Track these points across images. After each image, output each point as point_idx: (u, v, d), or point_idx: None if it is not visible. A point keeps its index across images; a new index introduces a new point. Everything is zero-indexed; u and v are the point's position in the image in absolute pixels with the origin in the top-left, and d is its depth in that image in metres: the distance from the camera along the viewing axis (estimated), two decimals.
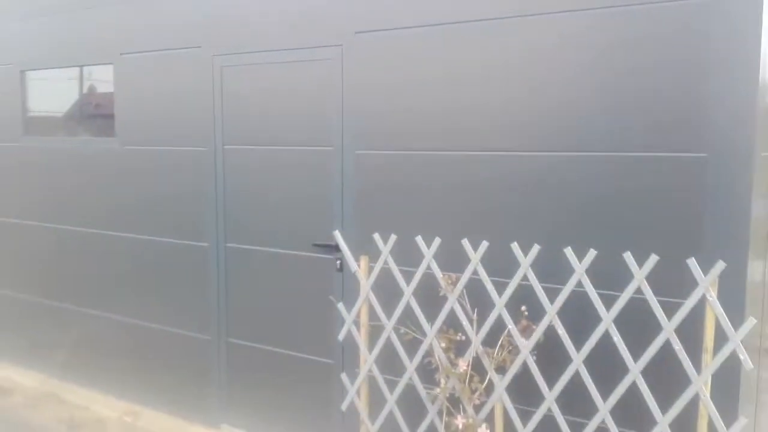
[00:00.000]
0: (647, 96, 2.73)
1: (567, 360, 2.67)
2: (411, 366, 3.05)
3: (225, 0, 3.94)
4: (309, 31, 3.61)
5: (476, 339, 2.85)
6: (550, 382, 2.72)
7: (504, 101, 3.06)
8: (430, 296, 3.01)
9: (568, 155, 2.91)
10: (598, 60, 2.83)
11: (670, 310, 2.48)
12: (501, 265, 2.87)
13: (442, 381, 2.91)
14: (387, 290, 3.12)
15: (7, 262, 5.40)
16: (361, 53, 3.44)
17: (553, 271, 2.80)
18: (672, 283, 2.63)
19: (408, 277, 3.03)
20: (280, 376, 3.92)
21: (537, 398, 2.77)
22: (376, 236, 3.09)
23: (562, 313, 2.66)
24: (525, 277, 2.71)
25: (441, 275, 2.91)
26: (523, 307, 2.80)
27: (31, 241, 5.15)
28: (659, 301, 2.46)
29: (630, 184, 2.79)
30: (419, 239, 2.98)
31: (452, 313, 2.91)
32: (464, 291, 2.91)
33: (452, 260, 2.97)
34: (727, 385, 2.59)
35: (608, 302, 2.58)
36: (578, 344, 2.64)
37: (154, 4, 4.25)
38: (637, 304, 2.55)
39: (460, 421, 2.80)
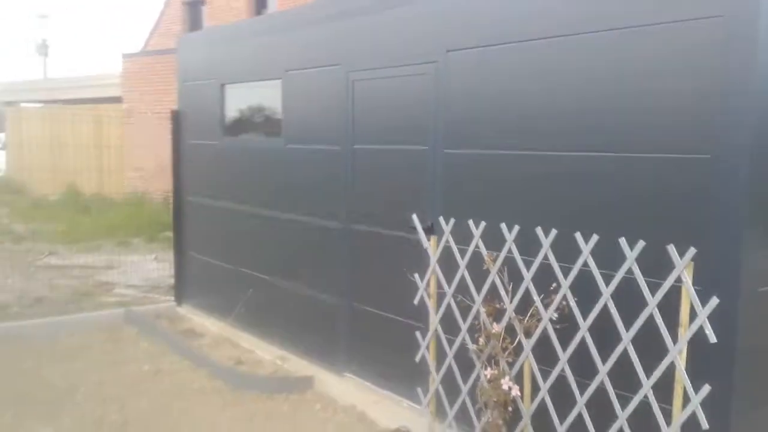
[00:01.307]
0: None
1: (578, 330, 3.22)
2: (464, 327, 3.77)
3: (357, 32, 4.93)
4: (411, 50, 4.47)
5: (510, 307, 3.49)
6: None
7: (562, 111, 3.64)
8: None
9: (611, 155, 3.42)
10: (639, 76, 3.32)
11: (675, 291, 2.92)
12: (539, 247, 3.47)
13: (482, 340, 3.59)
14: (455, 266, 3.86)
15: (203, 234, 6.99)
16: (451, 69, 4.21)
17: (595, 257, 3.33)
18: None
19: (475, 255, 3.73)
20: (387, 336, 4.81)
21: (556, 361, 3.34)
22: (441, 220, 3.86)
23: (577, 290, 3.21)
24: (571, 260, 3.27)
25: (486, 253, 3.60)
26: (554, 285, 3.38)
27: (222, 218, 6.63)
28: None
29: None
30: (470, 224, 3.70)
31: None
32: (505, 268, 3.55)
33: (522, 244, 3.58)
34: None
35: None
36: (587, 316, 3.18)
37: (310, 38, 5.38)
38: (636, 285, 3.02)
39: (489, 372, 3.47)
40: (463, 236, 3.76)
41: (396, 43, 4.62)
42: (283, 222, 5.78)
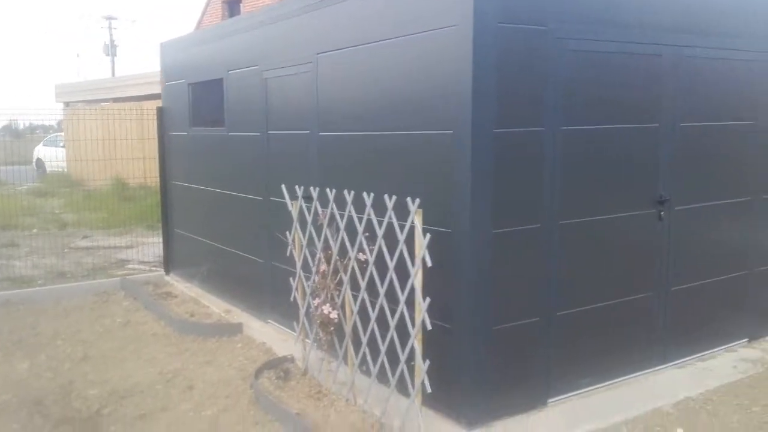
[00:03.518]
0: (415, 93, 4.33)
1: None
2: (313, 270, 4.99)
3: (267, 39, 6.22)
4: (299, 52, 5.71)
5: (335, 251, 4.70)
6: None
7: (370, 100, 4.83)
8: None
9: (401, 134, 4.59)
10: (388, 73, 4.47)
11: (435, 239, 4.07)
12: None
13: (314, 277, 4.82)
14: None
15: (182, 212, 8.45)
16: (320, 68, 5.42)
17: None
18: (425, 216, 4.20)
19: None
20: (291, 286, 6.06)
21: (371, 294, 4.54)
22: (283, 188, 5.10)
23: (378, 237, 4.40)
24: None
25: (321, 211, 4.81)
26: (367, 234, 4.55)
27: (191, 197, 8.06)
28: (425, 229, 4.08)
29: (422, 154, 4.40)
30: (311, 190, 4.92)
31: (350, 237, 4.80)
32: (340, 224, 4.75)
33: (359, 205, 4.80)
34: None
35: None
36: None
37: (241, 44, 6.71)
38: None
39: (317, 301, 4.69)
40: (334, 201, 4.94)
41: (290, 47, 5.87)
42: (228, 197, 7.14)
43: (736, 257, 5.64)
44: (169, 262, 8.97)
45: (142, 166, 20.50)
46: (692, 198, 5.22)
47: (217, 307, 7.37)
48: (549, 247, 4.50)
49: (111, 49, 50.08)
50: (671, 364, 5.31)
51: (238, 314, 7.01)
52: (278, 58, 6.02)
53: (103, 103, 23.57)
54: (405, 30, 4.47)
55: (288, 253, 5.33)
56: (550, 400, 4.66)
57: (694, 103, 5.13)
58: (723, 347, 5.67)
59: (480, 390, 4.34)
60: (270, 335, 6.33)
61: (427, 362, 4.02)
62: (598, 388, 4.88)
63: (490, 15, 3.97)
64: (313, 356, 5.23)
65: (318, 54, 5.43)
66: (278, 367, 5.51)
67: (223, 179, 7.24)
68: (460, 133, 4.09)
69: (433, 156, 4.34)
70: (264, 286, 6.58)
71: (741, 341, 5.81)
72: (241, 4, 22.27)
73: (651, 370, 5.19)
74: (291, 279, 5.36)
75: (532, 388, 4.58)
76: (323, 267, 4.75)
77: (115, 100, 23.30)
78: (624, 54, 4.66)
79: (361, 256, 4.50)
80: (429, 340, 4.19)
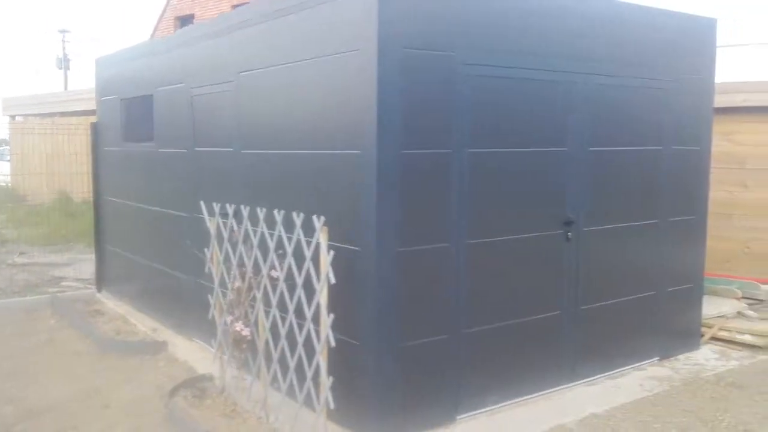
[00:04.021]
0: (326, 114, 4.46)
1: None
2: (229, 287, 5.03)
3: (193, 57, 6.28)
4: (222, 71, 5.79)
5: (249, 269, 4.75)
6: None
7: (279, 119, 4.93)
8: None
9: (307, 152, 4.69)
10: (303, 94, 4.59)
11: (340, 255, 4.16)
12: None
13: (229, 294, 4.87)
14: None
15: (114, 228, 8.39)
16: (242, 87, 5.51)
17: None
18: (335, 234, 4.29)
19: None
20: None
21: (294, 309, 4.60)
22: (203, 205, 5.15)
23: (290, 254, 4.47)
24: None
25: (235, 228, 4.87)
26: (281, 251, 4.62)
27: (122, 213, 8.03)
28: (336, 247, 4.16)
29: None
30: (213, 206, 4.98)
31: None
32: (253, 241, 4.80)
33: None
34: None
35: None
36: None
37: (168, 62, 6.75)
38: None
39: (230, 318, 4.73)
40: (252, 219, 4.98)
41: (215, 65, 5.95)
42: (157, 214, 7.14)
43: (645, 277, 5.86)
44: (101, 280, 8.88)
45: (87, 181, 20.31)
46: (600, 220, 5.42)
47: (144, 325, 7.32)
48: (457, 266, 4.63)
49: (64, 63, 49.32)
50: (582, 381, 5.47)
51: (164, 332, 6.98)
52: (204, 76, 6.08)
53: (55, 117, 23.23)
54: (317, 52, 4.58)
55: (207, 270, 5.36)
56: (458, 417, 4.77)
57: (603, 128, 5.36)
58: (634, 365, 5.86)
59: (387, 406, 4.43)
60: (194, 353, 6.31)
61: (331, 378, 4.09)
62: (507, 404, 5.01)
63: (394, 40, 4.12)
64: (230, 374, 5.25)
65: (240, 73, 5.51)
66: (196, 385, 5.50)
67: (153, 195, 7.23)
68: (367, 153, 4.21)
69: (343, 175, 4.45)
70: (190, 304, 6.57)
71: (652, 360, 6.01)
72: (194, 20, 22.27)
73: (561, 387, 5.35)
74: (209, 296, 5.38)
75: (440, 405, 4.68)
76: (237, 284, 4.80)
77: (63, 114, 22.98)
78: (532, 81, 4.86)
79: (274, 273, 4.57)
80: (339, 356, 4.27)
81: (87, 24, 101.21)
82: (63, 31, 50.33)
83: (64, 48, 49.52)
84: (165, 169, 6.91)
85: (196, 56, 6.25)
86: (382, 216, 4.21)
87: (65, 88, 42.06)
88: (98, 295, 8.81)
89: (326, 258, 4.03)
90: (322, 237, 4.07)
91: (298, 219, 4.25)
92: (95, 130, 8.67)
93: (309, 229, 4.25)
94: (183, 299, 6.69)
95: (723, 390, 5.43)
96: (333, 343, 4.06)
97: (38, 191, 21.03)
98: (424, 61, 4.30)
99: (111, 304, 8.30)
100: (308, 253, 4.18)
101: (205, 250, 5.35)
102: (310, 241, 4.19)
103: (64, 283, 10.11)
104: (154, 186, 7.20)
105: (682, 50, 5.83)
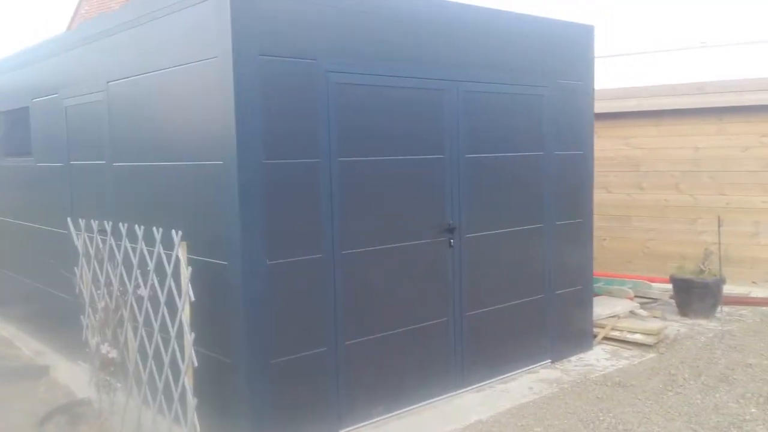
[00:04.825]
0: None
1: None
2: (99, 306, 4.80)
3: (64, 66, 6.01)
4: (94, 80, 5.55)
5: (116, 288, 4.54)
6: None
7: (148, 130, 4.75)
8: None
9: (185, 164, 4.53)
10: (167, 104, 4.43)
11: (208, 270, 4.00)
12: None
13: (95, 315, 4.64)
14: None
15: None
16: (111, 96, 5.29)
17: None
18: (202, 248, 4.14)
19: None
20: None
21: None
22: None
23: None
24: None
25: (101, 245, 4.65)
26: (149, 268, 4.42)
27: (8, 232, 7.62)
28: (204, 262, 4.00)
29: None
30: (78, 222, 4.75)
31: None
32: (118, 257, 4.60)
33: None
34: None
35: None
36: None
37: (39, 73, 6.45)
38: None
39: (95, 340, 4.51)
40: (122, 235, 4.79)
41: (86, 75, 5.70)
42: (38, 231, 6.80)
43: (533, 281, 5.91)
44: None
45: None
46: (483, 226, 5.44)
47: (29, 348, 6.95)
48: (333, 277, 4.54)
49: None
50: (471, 387, 5.47)
51: (49, 356, 6.64)
52: (76, 86, 5.83)
53: None
54: (180, 59, 4.43)
55: (77, 290, 5.11)
56: (341, 431, 4.67)
57: (480, 135, 5.37)
58: (526, 369, 5.90)
59: (262, 424, 4.29)
60: (77, 377, 5.99)
61: (196, 400, 3.93)
62: (393, 415, 4.95)
63: (251, 47, 4.01)
64: (106, 397, 5.00)
65: (109, 82, 5.29)
66: (73, 410, 5.23)
67: (33, 212, 6.89)
68: (228, 164, 4.08)
69: (208, 187, 4.30)
70: (73, 325, 6.25)
71: (544, 362, 6.07)
72: None
73: (449, 394, 5.32)
74: (82, 317, 5.13)
75: (322, 420, 4.57)
76: (103, 303, 4.58)
77: None
78: (402, 88, 4.83)
79: (141, 292, 4.37)
80: (211, 375, 4.12)
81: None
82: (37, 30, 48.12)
83: None
84: (42, 184, 6.59)
85: (69, 65, 5.98)
86: (247, 228, 4.09)
87: None
88: None
89: (186, 274, 3.88)
90: (181, 252, 3.92)
91: (157, 234, 4.08)
92: None
93: (173, 244, 4.09)
94: (67, 320, 6.36)
95: (609, 390, 5.52)
96: (196, 363, 3.91)
97: None
98: (286, 69, 4.20)
99: None
100: (169, 270, 4.02)
101: (75, 268, 5.10)
102: (171, 257, 4.03)
103: None
104: (34, 202, 6.87)
105: (560, 56, 5.92)
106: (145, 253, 4.22)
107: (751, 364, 6.00)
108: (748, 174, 8.88)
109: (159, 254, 4.09)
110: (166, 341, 4.15)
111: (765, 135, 8.74)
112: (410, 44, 4.87)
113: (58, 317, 6.56)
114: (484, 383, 5.56)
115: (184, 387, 4.04)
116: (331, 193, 4.47)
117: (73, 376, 6.04)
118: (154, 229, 4.09)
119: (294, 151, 4.29)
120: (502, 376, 5.71)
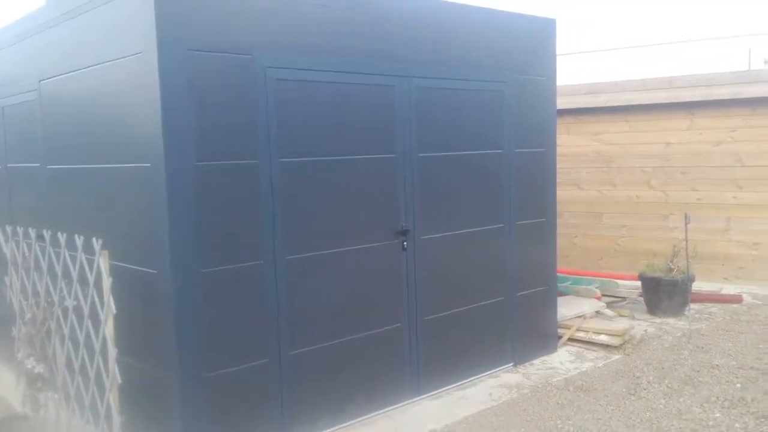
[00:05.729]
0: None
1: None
2: (26, 318, 4.53)
3: None
4: (24, 79, 5.26)
5: (42, 298, 4.27)
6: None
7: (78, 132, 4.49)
8: None
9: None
10: (95, 103, 4.17)
11: (138, 278, 3.74)
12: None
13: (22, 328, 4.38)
14: None
15: None
16: (43, 95, 5.01)
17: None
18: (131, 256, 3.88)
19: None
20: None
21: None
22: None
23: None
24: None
25: (27, 253, 4.38)
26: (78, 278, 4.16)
27: None
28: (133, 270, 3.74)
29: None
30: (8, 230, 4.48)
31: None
32: (43, 267, 4.34)
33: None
34: None
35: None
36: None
37: None
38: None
39: (21, 353, 4.24)
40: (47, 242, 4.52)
41: (19, 73, 5.42)
42: None
43: (493, 283, 5.70)
44: None
45: None
46: (438, 227, 5.22)
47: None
48: (275, 284, 4.31)
49: None
50: (428, 394, 5.25)
51: None
52: (12, 85, 5.54)
53: None
54: (107, 56, 4.17)
55: (8, 300, 4.83)
56: None
57: (433, 133, 5.13)
58: (487, 373, 5.70)
59: None
60: (20, 390, 5.72)
61: (122, 417, 3.69)
62: (342, 426, 4.73)
63: (178, 41, 3.75)
64: (37, 414, 4.73)
65: (41, 81, 5.01)
66: (9, 426, 4.96)
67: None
68: (156, 166, 3.83)
69: (137, 191, 4.05)
70: (8, 335, 5.97)
71: (507, 366, 5.88)
72: None
73: (404, 403, 5.11)
74: (12, 328, 4.85)
75: None
76: (30, 314, 4.31)
77: None
78: (347, 84, 4.59)
79: (67, 302, 4.11)
80: (143, 389, 3.88)
81: None
82: None
83: None
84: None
85: (4, 63, 5.69)
86: (177, 234, 3.83)
87: None
88: None
89: (107, 284, 3.62)
90: (102, 261, 3.66)
91: (79, 241, 3.82)
92: None
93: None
94: (4, 330, 6.08)
95: (570, 395, 5.33)
96: (119, 380, 3.66)
97: None
98: (219, 65, 3.95)
99: None
100: (91, 279, 3.76)
101: (5, 278, 4.83)
102: (93, 265, 3.78)
103: None
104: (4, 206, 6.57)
105: (520, 51, 5.71)
106: (68, 261, 3.97)
107: (717, 365, 5.84)
108: (720, 169, 8.74)
109: (81, 263, 3.83)
110: (92, 356, 3.90)
111: (735, 130, 8.60)
112: (358, 37, 4.63)
113: (3, 327, 6.27)
114: (442, 389, 5.35)
115: (109, 404, 3.79)
116: (272, 195, 4.23)
117: (12, 389, 5.75)
118: (76, 236, 3.83)
119: (230, 152, 4.04)
120: (461, 382, 5.50)
